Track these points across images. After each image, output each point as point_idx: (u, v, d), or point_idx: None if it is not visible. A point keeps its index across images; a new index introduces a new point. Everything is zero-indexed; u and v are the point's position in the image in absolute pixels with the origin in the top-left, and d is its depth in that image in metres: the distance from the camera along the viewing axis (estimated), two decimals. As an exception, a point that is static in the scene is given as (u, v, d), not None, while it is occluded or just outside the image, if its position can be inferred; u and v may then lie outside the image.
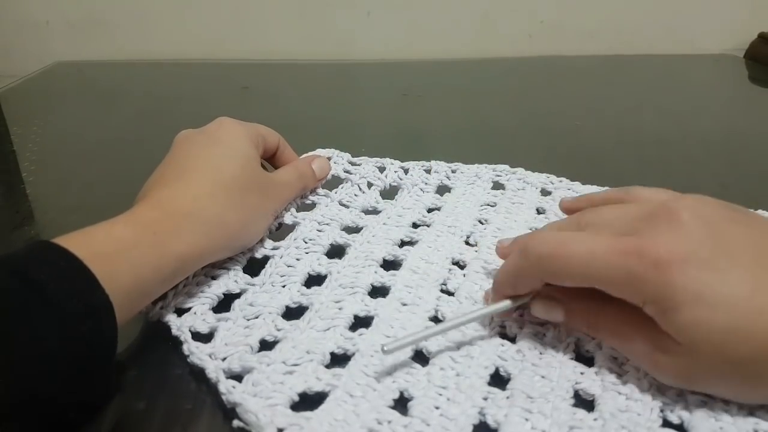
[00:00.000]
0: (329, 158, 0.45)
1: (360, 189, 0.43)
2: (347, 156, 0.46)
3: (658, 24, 0.91)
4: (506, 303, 0.29)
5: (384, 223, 0.39)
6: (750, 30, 0.87)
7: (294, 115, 0.66)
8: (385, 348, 0.26)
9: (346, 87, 0.80)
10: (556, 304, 0.28)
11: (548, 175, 0.46)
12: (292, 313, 0.32)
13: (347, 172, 0.44)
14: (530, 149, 0.56)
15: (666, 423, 0.25)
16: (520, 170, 0.46)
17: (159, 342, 0.30)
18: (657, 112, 0.67)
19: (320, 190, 0.43)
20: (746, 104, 0.74)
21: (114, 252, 0.27)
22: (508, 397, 0.26)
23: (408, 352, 0.28)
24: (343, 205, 0.42)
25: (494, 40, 0.92)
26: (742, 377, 0.24)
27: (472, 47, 0.91)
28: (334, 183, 0.43)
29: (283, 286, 0.33)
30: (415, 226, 0.40)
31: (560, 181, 0.45)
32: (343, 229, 0.39)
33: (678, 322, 0.24)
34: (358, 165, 0.45)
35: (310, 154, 0.45)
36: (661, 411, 0.25)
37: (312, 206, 0.41)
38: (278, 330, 0.30)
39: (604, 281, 0.25)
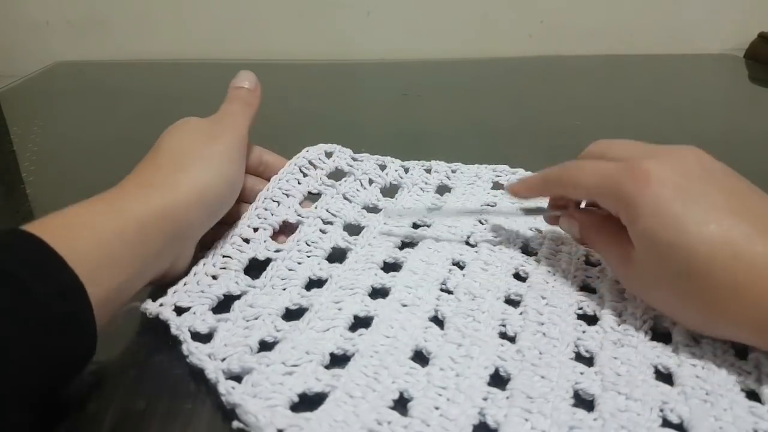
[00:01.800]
0: (330, 153, 0.44)
1: (362, 185, 0.43)
2: (349, 152, 0.45)
3: (658, 24, 0.91)
4: (517, 206, 0.37)
5: (385, 223, 0.39)
6: (750, 30, 0.87)
7: (294, 115, 0.66)
8: (385, 213, 0.27)
9: (346, 87, 0.80)
10: (574, 222, 0.34)
11: (548, 175, 0.46)
12: (292, 314, 0.31)
13: (350, 166, 0.44)
14: (530, 149, 0.56)
15: (666, 423, 0.25)
16: (520, 171, 0.46)
17: (159, 342, 0.30)
18: (657, 112, 0.67)
19: (327, 180, 0.42)
20: (746, 104, 0.74)
21: (76, 224, 0.27)
22: (507, 398, 0.26)
23: (408, 353, 0.28)
24: (347, 199, 0.42)
25: (494, 40, 0.92)
26: (677, 291, 0.28)
27: (472, 47, 0.91)
28: (338, 175, 0.43)
29: (284, 289, 0.33)
30: (415, 226, 0.40)
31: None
32: (345, 229, 0.39)
33: (636, 230, 0.28)
34: (360, 161, 0.45)
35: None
36: (661, 411, 0.25)
37: (318, 196, 0.41)
38: (278, 331, 0.30)
39: (599, 191, 0.31)
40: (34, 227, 0.25)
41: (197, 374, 0.28)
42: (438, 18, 0.91)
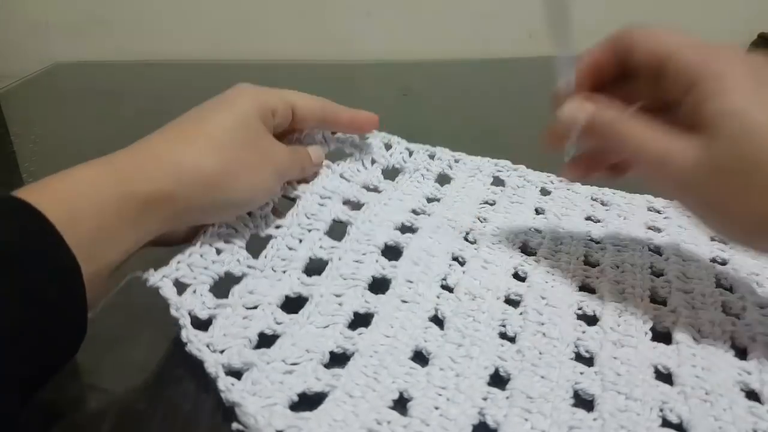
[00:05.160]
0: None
1: (363, 165, 0.43)
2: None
3: (658, 24, 0.91)
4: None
5: (385, 204, 0.39)
6: (750, 30, 0.87)
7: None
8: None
9: (346, 87, 0.80)
10: (587, 105, 0.29)
11: (548, 174, 0.46)
12: (292, 302, 0.31)
13: (354, 146, 0.43)
14: (530, 149, 0.56)
15: (665, 423, 0.25)
16: (521, 167, 0.46)
17: (159, 342, 0.30)
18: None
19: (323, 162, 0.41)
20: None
21: (75, 194, 0.26)
22: (507, 398, 0.26)
23: (408, 353, 0.28)
24: (344, 178, 0.41)
25: (494, 40, 0.92)
26: (739, 186, 0.25)
27: (472, 47, 0.91)
28: (338, 156, 0.42)
29: (284, 272, 0.33)
30: (415, 213, 0.40)
31: (560, 181, 0.45)
32: (345, 203, 0.38)
33: (716, 108, 0.25)
34: (365, 139, 0.44)
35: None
36: (661, 411, 0.25)
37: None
38: (278, 324, 0.30)
39: (674, 60, 0.27)
40: (31, 193, 0.24)
41: (198, 374, 0.28)
42: (438, 18, 0.90)
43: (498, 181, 0.45)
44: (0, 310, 0.21)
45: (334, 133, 0.42)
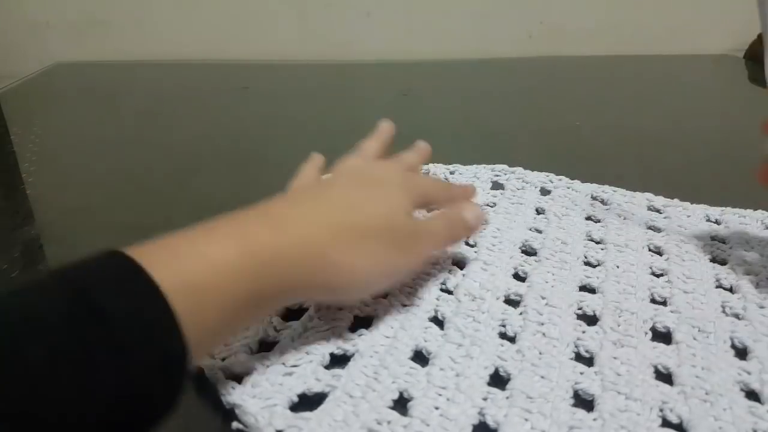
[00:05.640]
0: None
1: None
2: None
3: (658, 24, 0.91)
4: None
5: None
6: (750, 30, 0.87)
7: (294, 115, 0.66)
8: None
9: (346, 87, 0.80)
10: None
11: (547, 174, 0.46)
12: (292, 312, 0.31)
13: None
14: (530, 149, 0.56)
15: (665, 423, 0.25)
16: (518, 170, 0.46)
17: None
18: (657, 112, 0.67)
19: None
20: (746, 104, 0.74)
21: (207, 283, 0.22)
22: (507, 398, 0.26)
23: (408, 353, 0.28)
24: None
25: (494, 40, 0.92)
26: None
27: (472, 47, 0.91)
28: None
29: None
30: None
31: (560, 180, 0.45)
32: None
33: None
34: None
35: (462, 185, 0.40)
36: (661, 411, 0.25)
37: None
38: (277, 331, 0.30)
39: None
40: (157, 263, 0.21)
41: (198, 374, 0.28)
42: (438, 18, 0.91)
43: (497, 186, 0.45)
44: (97, 390, 0.19)
45: None
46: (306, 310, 0.31)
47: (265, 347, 0.29)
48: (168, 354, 0.20)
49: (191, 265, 0.23)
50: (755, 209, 0.41)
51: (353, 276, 0.27)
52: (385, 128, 0.40)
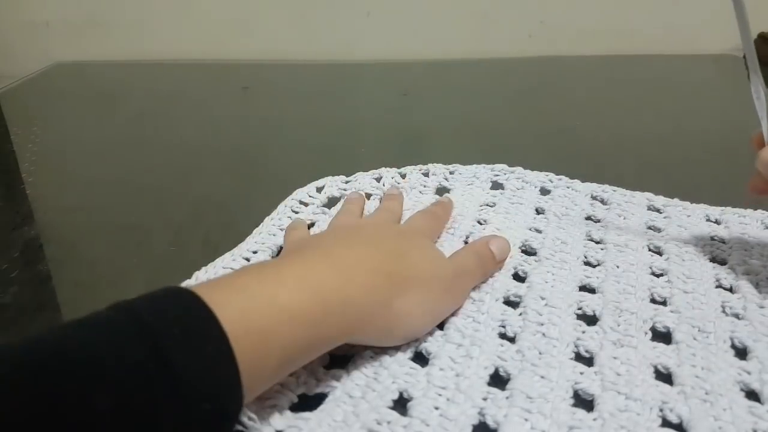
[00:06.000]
0: (321, 187, 0.44)
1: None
2: (341, 178, 0.46)
3: (658, 24, 0.91)
4: None
5: None
6: (750, 30, 0.87)
7: (294, 115, 0.66)
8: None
9: (346, 87, 0.80)
10: None
11: (547, 173, 0.46)
12: None
13: (342, 190, 0.44)
14: (530, 149, 0.56)
15: (665, 423, 0.25)
16: (518, 169, 0.46)
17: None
18: (657, 112, 0.67)
19: (317, 210, 0.42)
20: (746, 104, 0.74)
21: (273, 327, 0.22)
22: (507, 398, 0.26)
23: (408, 353, 0.28)
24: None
25: (494, 40, 0.92)
26: None
27: (472, 47, 0.91)
28: (332, 202, 0.43)
29: None
30: None
31: (559, 179, 0.45)
32: None
33: None
34: (354, 181, 0.45)
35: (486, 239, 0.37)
36: (661, 410, 0.25)
37: (311, 225, 0.41)
38: None
39: None
40: (224, 307, 0.21)
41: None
42: (438, 18, 0.90)
43: (497, 186, 0.45)
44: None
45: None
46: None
47: None
48: (226, 410, 0.21)
49: (261, 310, 0.23)
50: (755, 209, 0.41)
51: (411, 323, 0.29)
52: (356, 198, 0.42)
